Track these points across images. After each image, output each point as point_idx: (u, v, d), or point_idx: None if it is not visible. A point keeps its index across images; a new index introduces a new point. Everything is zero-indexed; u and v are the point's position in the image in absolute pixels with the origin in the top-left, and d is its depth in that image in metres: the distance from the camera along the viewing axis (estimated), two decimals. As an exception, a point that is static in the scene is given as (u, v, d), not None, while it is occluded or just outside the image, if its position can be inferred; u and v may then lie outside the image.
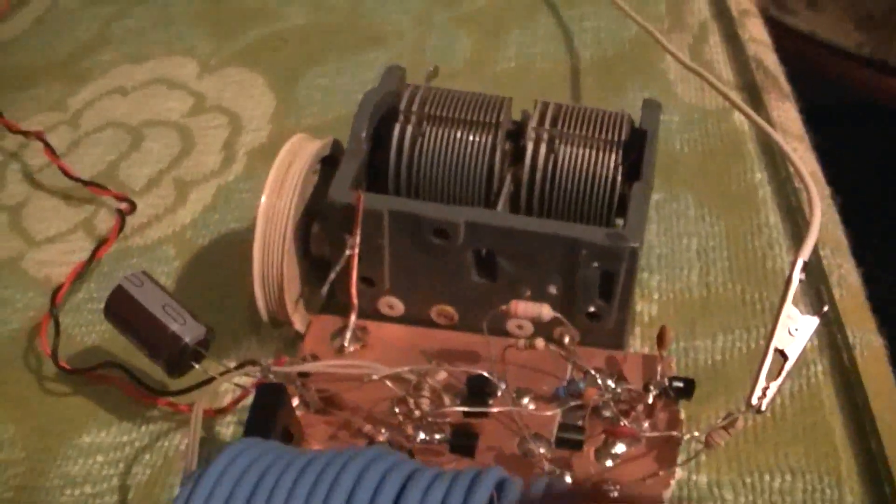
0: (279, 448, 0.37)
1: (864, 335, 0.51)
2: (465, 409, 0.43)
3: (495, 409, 0.42)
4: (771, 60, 0.69)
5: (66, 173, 0.63)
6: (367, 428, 0.43)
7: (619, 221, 0.47)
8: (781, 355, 0.42)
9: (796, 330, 0.42)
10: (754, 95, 0.66)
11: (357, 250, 0.46)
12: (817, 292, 0.53)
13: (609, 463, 0.43)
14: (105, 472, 0.48)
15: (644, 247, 0.48)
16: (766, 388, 0.41)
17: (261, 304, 0.47)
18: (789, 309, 0.42)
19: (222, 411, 0.49)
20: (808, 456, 0.46)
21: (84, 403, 0.51)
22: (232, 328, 0.53)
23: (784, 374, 0.41)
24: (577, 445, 0.42)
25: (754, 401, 0.41)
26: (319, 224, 0.48)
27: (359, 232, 0.45)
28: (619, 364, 0.47)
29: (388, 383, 0.44)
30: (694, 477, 0.45)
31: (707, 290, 0.54)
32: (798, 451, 0.46)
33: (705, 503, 0.45)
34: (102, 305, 0.47)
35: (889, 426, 0.47)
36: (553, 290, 0.46)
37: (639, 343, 0.51)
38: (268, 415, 0.42)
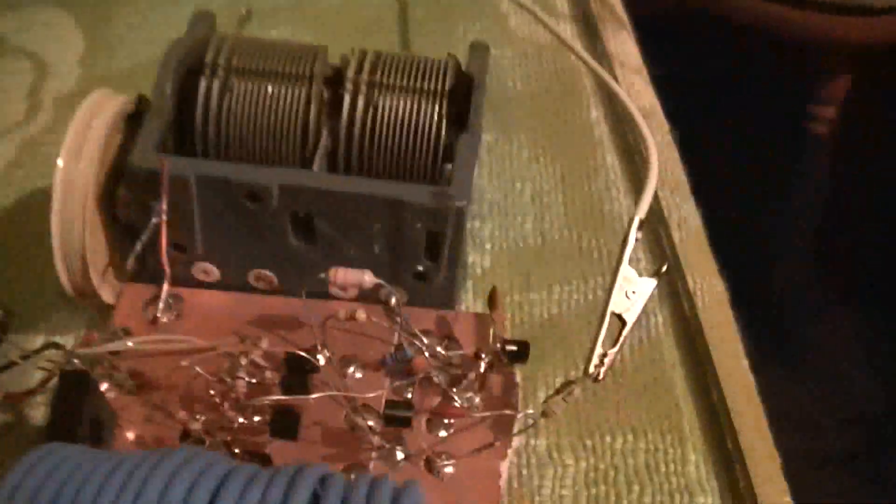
0: (82, 454, 0.34)
1: (706, 280, 0.50)
2: (280, 397, 0.40)
3: (314, 396, 0.39)
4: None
5: None
6: (181, 415, 0.40)
7: (449, 166, 0.44)
8: (619, 319, 0.40)
9: (633, 293, 0.40)
10: (590, 26, 0.64)
11: (165, 217, 0.42)
12: (657, 242, 0.52)
13: (443, 433, 0.41)
14: None
15: (474, 193, 0.45)
16: (603, 356, 0.39)
17: (63, 277, 0.43)
18: (626, 271, 0.40)
19: (31, 393, 0.45)
20: (650, 413, 0.45)
21: None
22: (43, 299, 0.49)
23: (622, 340, 0.40)
24: (406, 422, 0.40)
25: (592, 369, 0.39)
26: (125, 188, 0.44)
27: (165, 199, 0.42)
28: (450, 325, 0.44)
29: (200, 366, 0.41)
30: (532, 441, 0.44)
31: (542, 238, 0.52)
32: (639, 410, 0.45)
33: (545, 469, 0.44)
34: None
35: (730, 375, 0.46)
36: (377, 249, 0.43)
37: (471, 298, 0.49)
38: (72, 407, 0.38)
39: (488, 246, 0.51)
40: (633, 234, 0.41)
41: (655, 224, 0.52)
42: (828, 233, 1.34)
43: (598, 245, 0.51)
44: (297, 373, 0.40)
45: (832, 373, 0.49)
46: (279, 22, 0.62)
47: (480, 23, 0.65)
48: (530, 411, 0.41)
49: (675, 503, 0.43)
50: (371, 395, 0.40)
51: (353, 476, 0.33)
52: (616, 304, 0.40)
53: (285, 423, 0.39)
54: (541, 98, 0.59)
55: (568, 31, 0.63)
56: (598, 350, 0.39)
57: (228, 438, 0.40)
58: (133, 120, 0.45)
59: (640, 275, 0.40)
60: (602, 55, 0.61)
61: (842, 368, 0.50)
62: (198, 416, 0.40)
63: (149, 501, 0.31)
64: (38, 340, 0.47)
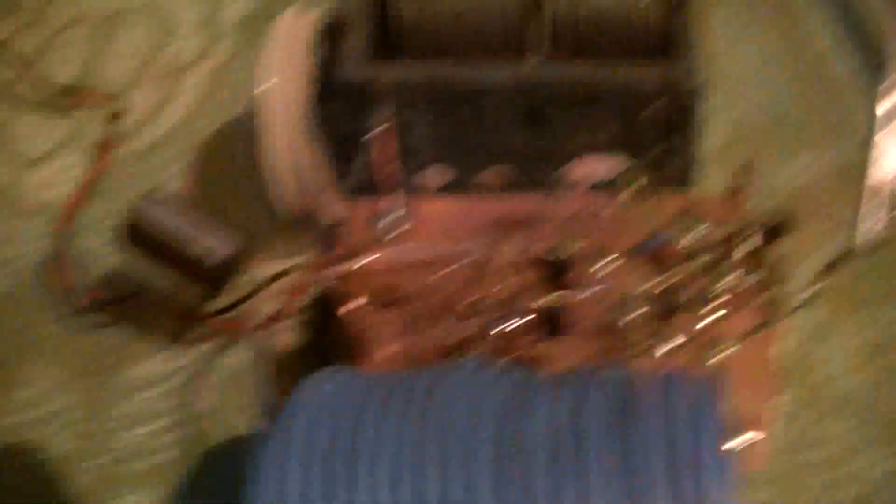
0: (359, 376, 0.33)
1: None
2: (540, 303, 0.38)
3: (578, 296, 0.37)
4: None
5: (41, 83, 0.57)
6: (438, 330, 0.38)
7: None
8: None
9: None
10: None
11: (384, 127, 0.40)
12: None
13: (709, 319, 0.38)
14: (162, 404, 0.45)
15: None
16: (870, 225, 0.36)
17: (281, 201, 0.42)
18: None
19: (276, 318, 0.44)
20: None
21: (121, 336, 0.47)
22: (264, 228, 0.47)
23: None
24: (670, 314, 0.37)
25: (859, 239, 0.36)
26: (337, 101, 0.42)
27: (382, 108, 0.40)
28: (696, 206, 0.42)
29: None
30: (802, 319, 0.41)
31: (779, 102, 0.48)
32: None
33: (816, 346, 0.41)
34: (115, 224, 0.43)
35: None
36: (611, 134, 0.40)
37: (712, 172, 0.46)
38: (322, 331, 0.37)
39: (721, 116, 0.48)
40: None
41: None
42: None
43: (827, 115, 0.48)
44: (554, 273, 0.38)
45: None
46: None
47: None
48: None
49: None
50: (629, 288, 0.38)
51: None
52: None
53: (549, 326, 0.37)
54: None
55: None
56: (869, 216, 0.36)
57: (492, 347, 0.38)
58: (330, 32, 0.43)
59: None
60: None
61: None
62: (455, 331, 0.38)
63: (444, 410, 0.30)
64: (273, 266, 0.46)
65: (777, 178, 0.46)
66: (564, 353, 0.38)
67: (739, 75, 0.50)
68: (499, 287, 0.38)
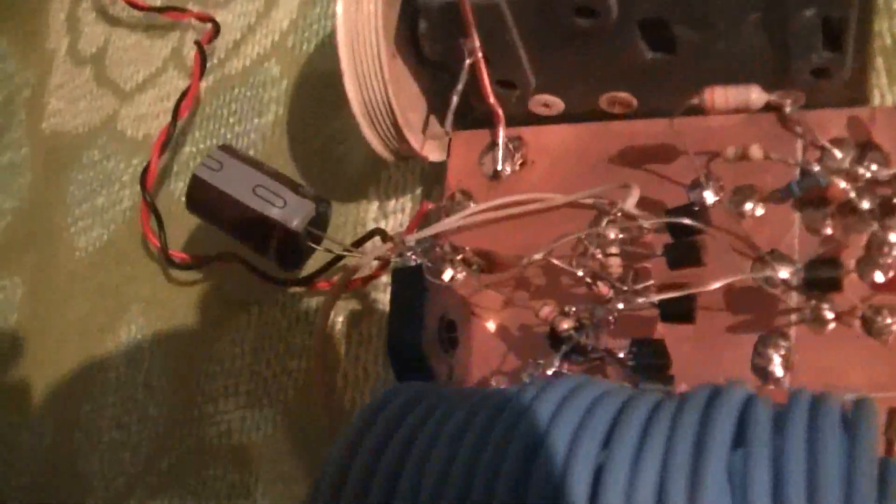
0: (436, 393, 0.27)
1: None
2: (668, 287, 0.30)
3: (714, 286, 0.29)
4: None
5: (135, 5, 0.52)
6: (545, 312, 0.31)
7: None
8: None
9: None
10: None
11: (480, 55, 0.33)
12: None
13: (879, 277, 0.30)
14: (256, 368, 0.40)
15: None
16: None
17: (377, 144, 0.36)
18: None
19: (370, 278, 0.38)
20: None
21: (215, 294, 0.43)
22: (369, 156, 0.40)
23: None
24: (835, 285, 0.29)
25: None
26: (426, 21, 0.35)
27: (474, 32, 0.33)
28: (866, 126, 0.33)
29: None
30: None
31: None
32: None
33: None
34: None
35: None
36: (757, 47, 0.32)
37: (884, 81, 0.37)
38: (409, 312, 0.31)
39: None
40: None
41: None
42: None
43: None
44: (684, 240, 0.31)
45: None
46: None
47: None
48: None
49: None
50: (798, 247, 0.30)
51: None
52: None
53: (679, 307, 0.30)
54: None
55: None
56: None
57: (611, 323, 0.31)
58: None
59: None
60: None
61: None
62: (567, 309, 0.31)
63: (525, 439, 0.24)
64: (370, 213, 0.40)
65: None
66: (698, 332, 0.31)
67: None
68: (618, 257, 0.31)
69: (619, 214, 0.32)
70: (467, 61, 0.34)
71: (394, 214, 0.40)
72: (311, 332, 0.39)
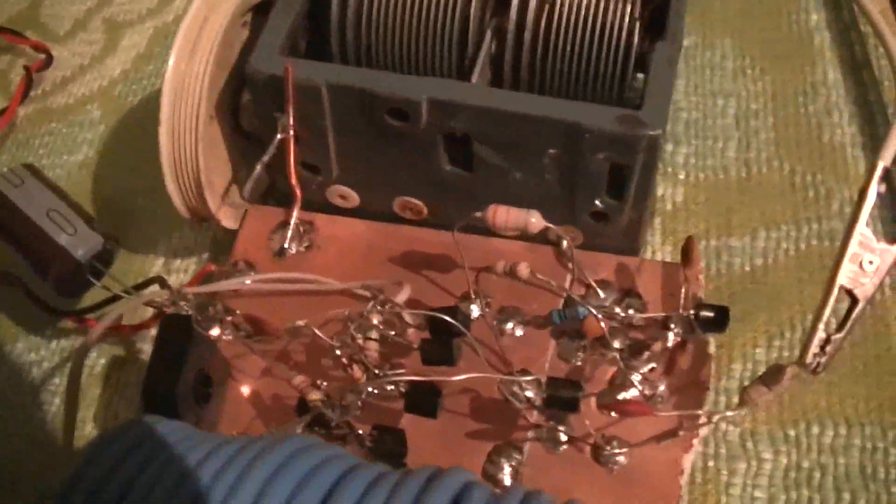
0: (175, 432, 0.27)
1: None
2: (415, 378, 0.32)
3: (458, 377, 0.31)
4: None
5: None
6: (298, 381, 0.32)
7: (640, 76, 0.36)
8: (848, 294, 0.30)
9: (870, 263, 0.30)
10: None
11: (292, 132, 0.35)
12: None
13: (615, 414, 0.32)
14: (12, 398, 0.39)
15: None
16: (825, 342, 0.30)
17: (176, 198, 0.36)
18: (862, 233, 0.30)
19: (142, 327, 0.38)
20: (870, 402, 0.36)
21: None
22: (165, 213, 0.40)
23: (851, 322, 0.30)
24: (572, 406, 0.31)
25: (810, 358, 0.30)
26: (246, 93, 0.36)
27: (291, 110, 0.34)
28: (632, 274, 0.36)
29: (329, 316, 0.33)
30: (723, 426, 0.35)
31: (747, 169, 0.42)
32: (856, 396, 0.36)
33: (736, 463, 0.35)
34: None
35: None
36: (548, 181, 0.34)
37: (658, 239, 0.40)
38: (172, 358, 0.32)
39: (682, 175, 0.42)
40: (875, 186, 0.31)
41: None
42: None
43: (815, 182, 0.41)
44: (441, 339, 0.32)
45: None
46: None
47: None
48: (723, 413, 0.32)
49: (895, 522, 0.34)
50: (528, 377, 0.32)
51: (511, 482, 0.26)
52: (846, 275, 0.30)
53: (423, 400, 0.31)
54: (750, -5, 0.48)
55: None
56: (821, 334, 0.30)
57: (360, 405, 0.32)
58: (262, 11, 0.37)
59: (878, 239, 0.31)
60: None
61: None
62: (319, 383, 0.32)
63: (245, 497, 0.24)
64: (155, 267, 0.40)
65: (736, 255, 0.40)
66: (439, 428, 0.32)
67: (719, 127, 0.44)
68: (376, 343, 0.32)
69: (387, 306, 0.33)
70: (279, 136, 0.34)
71: (177, 273, 0.41)
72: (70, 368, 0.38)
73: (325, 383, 0.32)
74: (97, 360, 0.39)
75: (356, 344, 0.32)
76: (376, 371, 0.31)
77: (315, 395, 0.31)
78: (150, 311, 0.38)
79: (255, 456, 0.25)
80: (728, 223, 0.41)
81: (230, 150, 0.37)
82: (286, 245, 0.37)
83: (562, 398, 0.31)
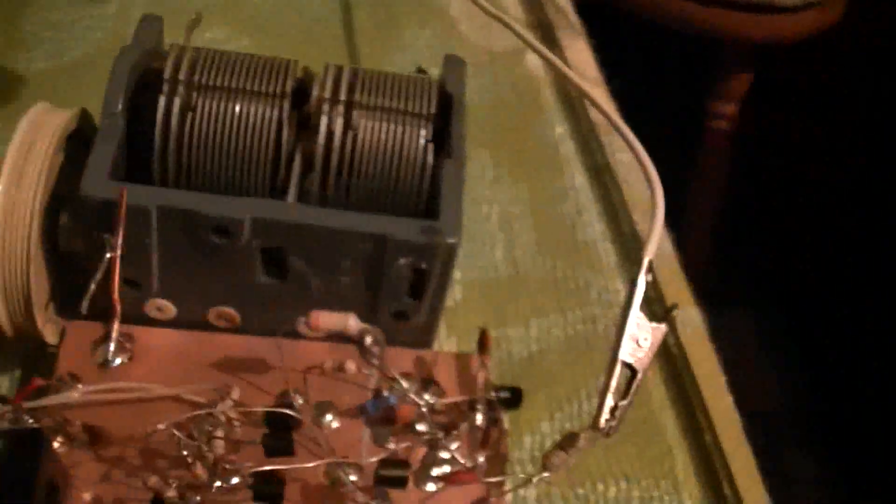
0: None
1: (686, 311, 0.48)
2: (266, 468, 0.36)
3: (311, 464, 0.36)
4: (558, -9, 0.64)
5: None
6: (153, 481, 0.36)
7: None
8: (629, 369, 0.37)
9: (645, 339, 0.37)
10: (548, 35, 0.61)
11: (119, 252, 0.38)
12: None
13: (431, 487, 0.38)
14: None
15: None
16: (613, 408, 0.37)
17: (3, 319, 0.39)
18: (635, 317, 0.37)
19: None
20: (643, 459, 0.43)
21: None
22: None
23: (633, 390, 0.37)
24: (402, 483, 0.37)
25: (602, 423, 0.37)
26: (69, 214, 0.40)
27: (122, 231, 0.38)
28: (429, 366, 0.41)
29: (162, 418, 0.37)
30: (521, 492, 0.41)
31: (515, 267, 0.49)
32: (630, 454, 0.43)
33: (537, 522, 0.41)
34: None
35: (720, 416, 0.45)
36: (354, 286, 0.40)
37: (444, 333, 0.46)
38: (25, 473, 0.35)
39: (458, 275, 0.48)
40: (643, 276, 0.38)
41: (630, 252, 0.50)
42: (726, 229, 1.34)
43: (574, 275, 0.49)
44: (280, 431, 0.37)
45: (731, 370, 0.47)
46: (213, 23, 0.58)
47: (430, 28, 0.61)
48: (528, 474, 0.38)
49: (674, 558, 0.41)
50: (366, 456, 0.37)
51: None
52: (626, 352, 0.37)
53: (270, 490, 0.36)
54: (500, 112, 0.56)
55: (531, 40, 0.60)
56: (609, 402, 0.37)
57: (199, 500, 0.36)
58: (74, 138, 0.41)
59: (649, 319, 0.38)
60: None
61: (741, 367, 0.49)
62: (171, 481, 0.36)
63: None
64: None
65: (513, 343, 0.46)
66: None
67: (486, 231, 0.50)
68: (222, 440, 0.36)
69: (230, 405, 0.37)
70: (108, 255, 0.38)
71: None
72: None
73: (175, 481, 0.36)
74: None
75: (198, 444, 0.36)
76: (226, 465, 0.35)
77: (171, 493, 0.35)
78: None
79: None
80: (503, 315, 0.47)
81: (48, 268, 0.41)
82: (108, 357, 0.40)
83: (393, 477, 0.36)
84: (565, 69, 0.50)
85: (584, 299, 0.48)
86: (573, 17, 0.63)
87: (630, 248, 0.50)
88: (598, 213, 0.51)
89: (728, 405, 0.45)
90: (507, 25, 0.55)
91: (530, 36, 0.58)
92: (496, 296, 0.48)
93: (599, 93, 0.58)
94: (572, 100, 0.57)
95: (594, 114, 0.55)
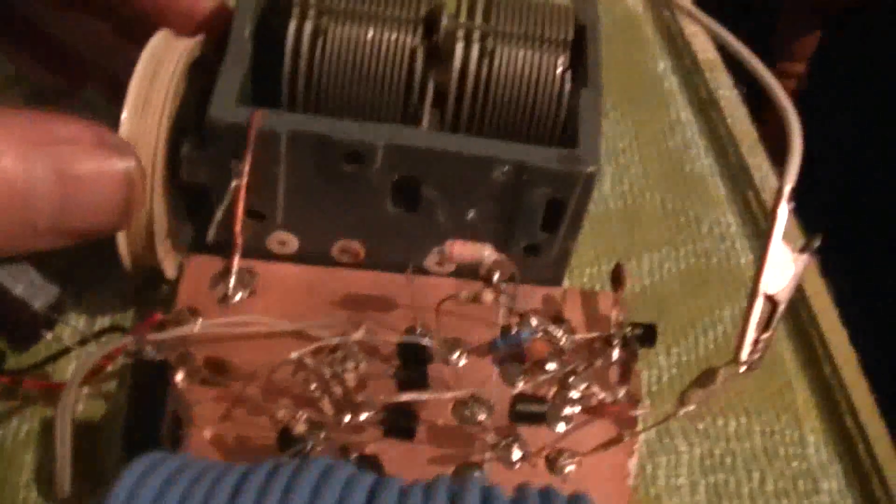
0: (195, 465, 0.27)
1: (796, 245, 0.44)
2: (402, 397, 0.33)
3: (447, 395, 0.33)
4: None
5: None
6: (283, 414, 0.32)
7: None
8: (769, 301, 0.34)
9: (786, 271, 0.34)
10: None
11: (245, 180, 0.34)
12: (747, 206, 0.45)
13: (561, 427, 0.34)
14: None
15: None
16: (755, 341, 0.33)
17: (123, 250, 0.36)
18: (777, 247, 0.34)
19: (92, 376, 0.36)
20: (762, 393, 0.40)
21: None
22: (87, 270, 0.39)
23: (775, 323, 0.33)
24: (539, 419, 0.33)
25: (745, 356, 0.33)
26: (191, 144, 0.36)
27: (249, 158, 0.34)
28: (559, 304, 0.38)
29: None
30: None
31: (623, 201, 0.45)
32: (750, 389, 0.39)
33: (657, 457, 0.37)
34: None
35: (836, 348, 0.41)
36: (486, 218, 0.36)
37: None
38: (152, 404, 0.31)
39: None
40: (785, 205, 0.34)
41: (740, 186, 0.46)
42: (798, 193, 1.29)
43: (685, 208, 0.45)
44: (414, 364, 0.33)
45: None
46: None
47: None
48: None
49: (798, 489, 0.37)
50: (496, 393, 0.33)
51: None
52: (767, 283, 0.34)
53: (403, 424, 0.32)
54: (603, 49, 0.51)
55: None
56: (751, 334, 0.33)
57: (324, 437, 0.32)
58: (198, 66, 0.37)
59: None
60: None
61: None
62: (299, 415, 0.32)
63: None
64: (87, 319, 0.39)
65: (634, 276, 0.42)
66: (408, 453, 0.33)
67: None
68: (344, 373, 0.33)
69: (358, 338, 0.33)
70: (234, 183, 0.34)
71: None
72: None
73: (304, 415, 0.32)
74: (20, 427, 0.37)
75: (327, 378, 0.33)
76: (356, 400, 0.32)
77: (301, 428, 0.32)
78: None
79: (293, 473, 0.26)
80: (613, 249, 0.43)
81: (168, 199, 0.37)
82: (229, 292, 0.36)
83: (530, 413, 0.33)
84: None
85: (696, 233, 0.44)
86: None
87: (739, 180, 0.46)
88: (705, 148, 0.47)
89: (844, 339, 0.41)
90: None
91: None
92: (605, 230, 0.44)
93: (699, 30, 0.53)
94: (674, 35, 0.52)
95: (696, 49, 0.50)
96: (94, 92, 0.42)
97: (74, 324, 0.38)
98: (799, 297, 0.42)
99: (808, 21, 1.15)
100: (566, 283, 0.40)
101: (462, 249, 0.34)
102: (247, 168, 0.34)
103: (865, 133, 1.34)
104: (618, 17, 0.53)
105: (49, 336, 0.34)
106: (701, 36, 0.52)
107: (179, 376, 0.34)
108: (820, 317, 0.42)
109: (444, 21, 0.36)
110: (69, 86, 0.43)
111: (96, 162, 0.32)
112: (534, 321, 0.35)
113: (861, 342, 0.41)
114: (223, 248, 0.37)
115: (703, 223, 0.44)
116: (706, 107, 0.49)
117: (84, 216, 0.32)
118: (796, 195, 0.36)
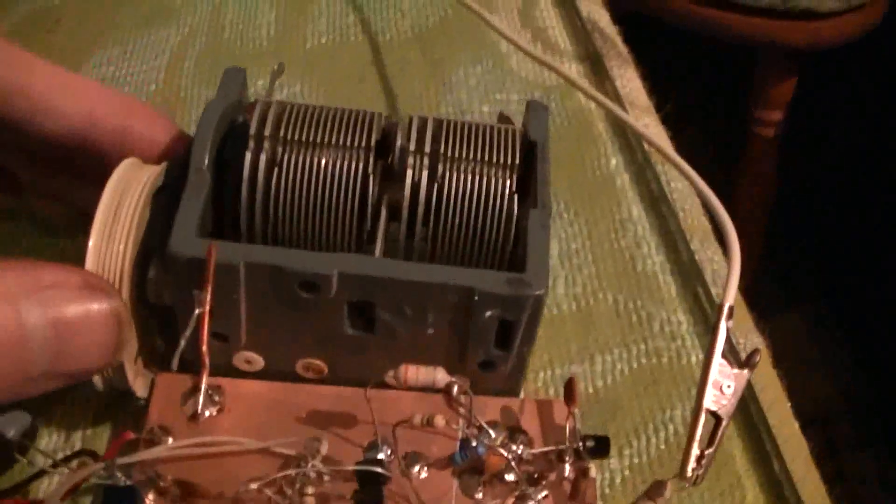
0: None
1: (749, 337, 0.45)
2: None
3: None
4: (605, 21, 0.61)
5: None
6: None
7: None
8: (713, 416, 0.34)
9: (728, 387, 0.35)
10: (597, 65, 0.58)
11: (208, 307, 0.35)
12: (696, 300, 0.46)
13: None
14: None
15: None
16: (700, 456, 0.34)
17: (96, 376, 0.36)
18: (717, 364, 0.35)
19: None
20: (712, 491, 0.40)
21: None
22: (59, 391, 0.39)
23: (719, 438, 0.34)
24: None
25: (689, 472, 0.34)
26: (157, 269, 0.37)
27: (210, 287, 0.35)
28: (515, 414, 0.38)
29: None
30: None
31: (577, 303, 0.46)
32: (701, 487, 0.40)
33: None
34: None
35: (786, 442, 0.41)
36: (441, 337, 0.37)
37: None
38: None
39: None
40: (724, 323, 0.35)
41: (691, 281, 0.47)
42: (775, 234, 1.30)
43: (636, 307, 0.45)
44: (371, 486, 0.34)
45: (784, 375, 0.44)
46: (264, 64, 0.55)
47: (481, 65, 0.58)
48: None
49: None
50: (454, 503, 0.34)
51: None
52: (710, 400, 0.34)
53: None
54: (555, 146, 0.51)
55: (573, 70, 0.57)
56: (695, 451, 0.34)
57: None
58: (163, 190, 0.38)
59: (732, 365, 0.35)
60: (613, 96, 0.55)
61: (796, 371, 0.46)
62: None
63: None
64: (59, 435, 0.40)
65: (580, 380, 0.43)
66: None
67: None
68: (312, 496, 0.33)
69: (317, 461, 0.34)
70: (197, 311, 0.35)
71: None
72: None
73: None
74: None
75: (289, 501, 0.33)
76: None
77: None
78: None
79: None
80: (568, 352, 0.44)
81: (137, 321, 0.37)
82: (199, 409, 0.37)
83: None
84: (617, 109, 0.47)
85: (647, 332, 0.45)
86: (621, 47, 0.59)
87: (691, 277, 0.47)
88: (657, 245, 0.48)
89: (795, 429, 0.42)
90: (553, 69, 0.52)
91: (575, 68, 0.55)
92: (560, 333, 0.45)
93: (652, 121, 0.54)
94: (626, 131, 0.53)
95: (648, 145, 0.51)
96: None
97: (48, 440, 0.39)
98: (749, 392, 0.43)
99: (785, 66, 1.16)
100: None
101: (415, 374, 0.34)
102: (208, 297, 0.35)
103: (842, 176, 1.35)
104: (570, 113, 0.54)
105: (25, 461, 0.35)
106: (651, 127, 0.53)
107: (150, 498, 0.34)
108: (769, 411, 0.42)
109: (399, 141, 0.37)
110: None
111: (84, 304, 0.33)
112: (492, 433, 0.36)
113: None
114: (193, 368, 0.37)
115: (655, 322, 0.45)
116: (657, 202, 0.50)
117: (78, 359, 0.33)
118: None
